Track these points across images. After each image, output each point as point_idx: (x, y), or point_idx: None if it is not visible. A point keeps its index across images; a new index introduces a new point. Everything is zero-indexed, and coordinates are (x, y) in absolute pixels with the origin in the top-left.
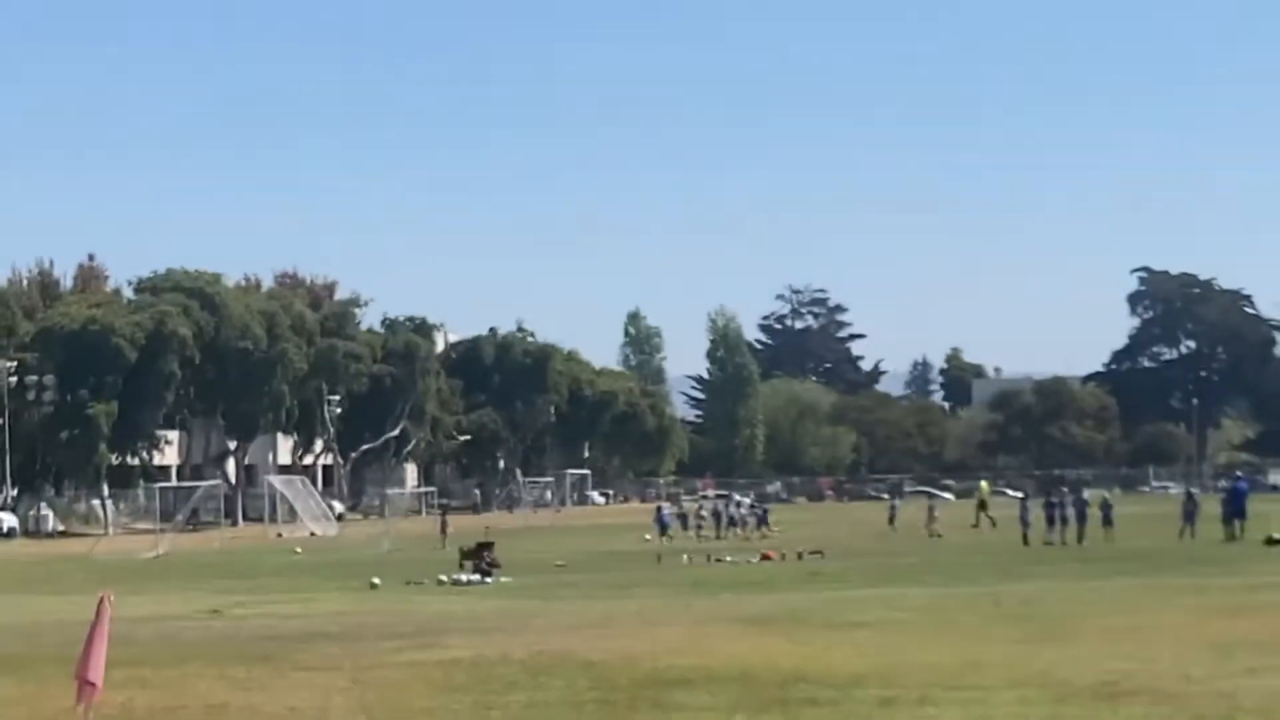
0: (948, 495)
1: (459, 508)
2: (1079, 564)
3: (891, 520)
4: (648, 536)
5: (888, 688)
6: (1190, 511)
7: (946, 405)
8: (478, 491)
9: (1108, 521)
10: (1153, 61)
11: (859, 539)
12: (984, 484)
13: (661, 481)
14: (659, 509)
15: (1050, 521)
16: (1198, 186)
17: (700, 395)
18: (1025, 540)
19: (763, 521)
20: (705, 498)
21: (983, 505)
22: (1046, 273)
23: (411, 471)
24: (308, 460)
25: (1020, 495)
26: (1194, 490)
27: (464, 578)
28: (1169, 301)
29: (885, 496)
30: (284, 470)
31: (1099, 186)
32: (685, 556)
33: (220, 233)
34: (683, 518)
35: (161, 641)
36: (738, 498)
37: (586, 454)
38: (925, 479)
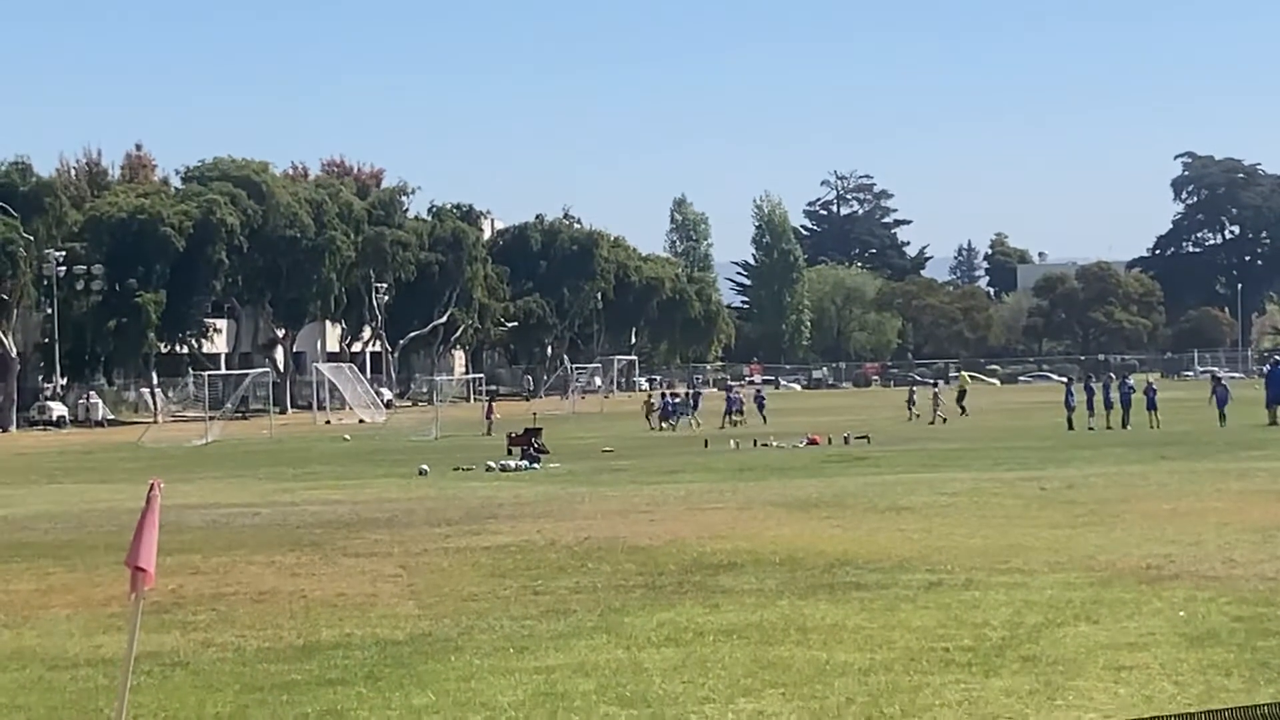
0: (940, 383)
1: (507, 394)
2: (1123, 449)
3: (910, 404)
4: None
5: (933, 571)
6: (1223, 397)
7: (991, 291)
8: (529, 378)
9: (1152, 406)
10: None
11: (905, 424)
12: (964, 374)
13: (709, 367)
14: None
15: (1091, 407)
16: (1242, 72)
17: (746, 281)
18: (1070, 424)
19: (737, 411)
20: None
21: (962, 395)
22: (1091, 158)
23: (459, 358)
24: (356, 348)
25: (1065, 380)
26: (1220, 375)
27: (512, 464)
28: (1213, 187)
29: (930, 383)
30: (332, 358)
31: (1143, 72)
32: (732, 442)
33: (267, 121)
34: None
35: (211, 528)
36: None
37: (633, 340)
38: (970, 364)
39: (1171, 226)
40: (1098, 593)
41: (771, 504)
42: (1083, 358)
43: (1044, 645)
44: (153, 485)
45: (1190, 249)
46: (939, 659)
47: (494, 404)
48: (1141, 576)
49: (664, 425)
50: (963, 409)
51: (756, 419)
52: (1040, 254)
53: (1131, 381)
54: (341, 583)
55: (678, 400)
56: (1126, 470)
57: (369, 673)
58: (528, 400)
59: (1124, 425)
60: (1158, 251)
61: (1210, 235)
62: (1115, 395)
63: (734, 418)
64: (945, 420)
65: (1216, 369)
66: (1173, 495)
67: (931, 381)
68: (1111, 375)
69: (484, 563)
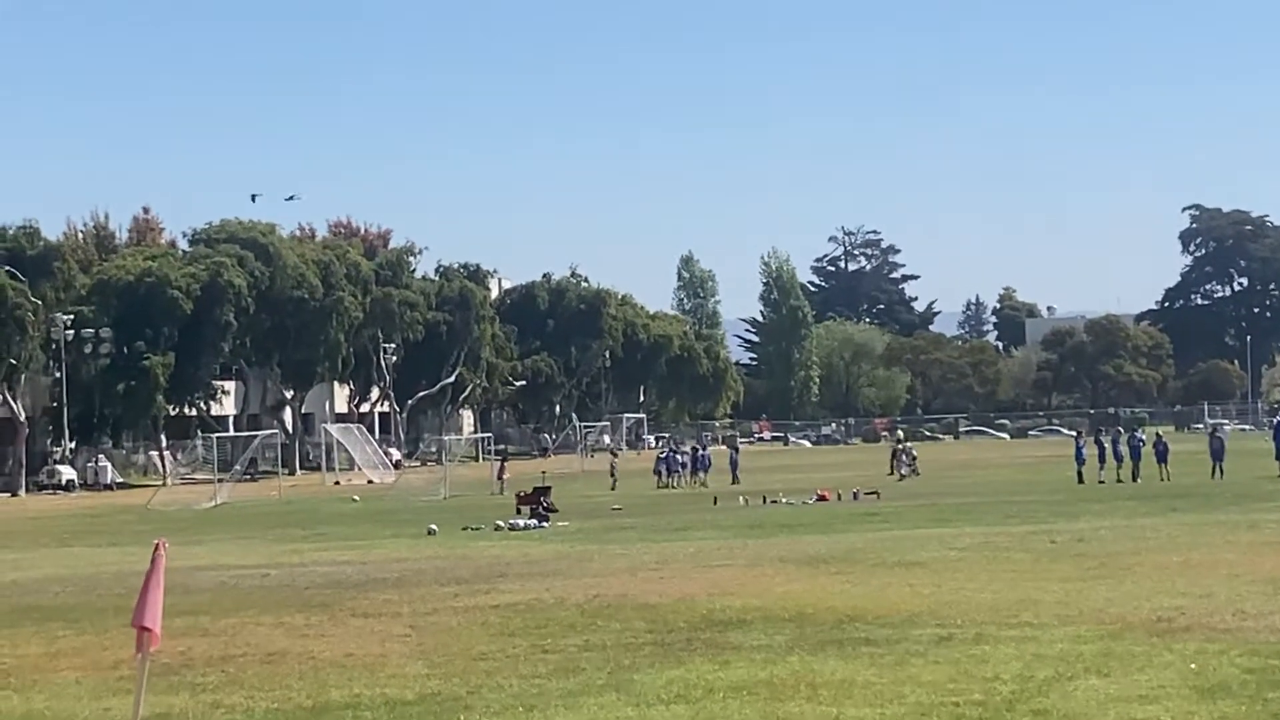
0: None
1: (516, 453)
2: (1133, 501)
3: (895, 462)
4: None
5: (943, 626)
6: (1216, 450)
7: (1000, 345)
8: (549, 436)
9: (1162, 459)
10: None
11: (913, 480)
12: (900, 432)
13: (717, 424)
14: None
15: (1103, 459)
16: (1249, 124)
17: (754, 338)
18: (1080, 478)
19: (701, 469)
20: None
21: (895, 455)
22: (1098, 212)
23: (468, 418)
24: (364, 408)
25: (1075, 434)
26: (1219, 427)
27: (521, 523)
28: (1221, 239)
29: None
30: (341, 419)
31: (1150, 125)
32: (741, 499)
33: (274, 184)
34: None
35: (220, 590)
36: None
37: (642, 398)
38: (980, 419)
39: (1180, 279)
40: (1108, 646)
41: (781, 560)
42: (1092, 411)
43: (1055, 699)
44: (157, 546)
45: (1199, 301)
46: (950, 714)
47: (506, 463)
48: (1152, 629)
49: (667, 484)
50: (901, 471)
51: (727, 476)
52: (1049, 308)
53: (1142, 434)
54: (350, 643)
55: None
56: (1137, 523)
57: None
58: (544, 458)
59: (1134, 478)
60: (1166, 304)
61: (1219, 287)
62: (1125, 448)
63: (699, 476)
64: (904, 477)
65: (1217, 422)
66: (1183, 547)
67: (898, 438)
68: (1120, 429)
69: (493, 621)
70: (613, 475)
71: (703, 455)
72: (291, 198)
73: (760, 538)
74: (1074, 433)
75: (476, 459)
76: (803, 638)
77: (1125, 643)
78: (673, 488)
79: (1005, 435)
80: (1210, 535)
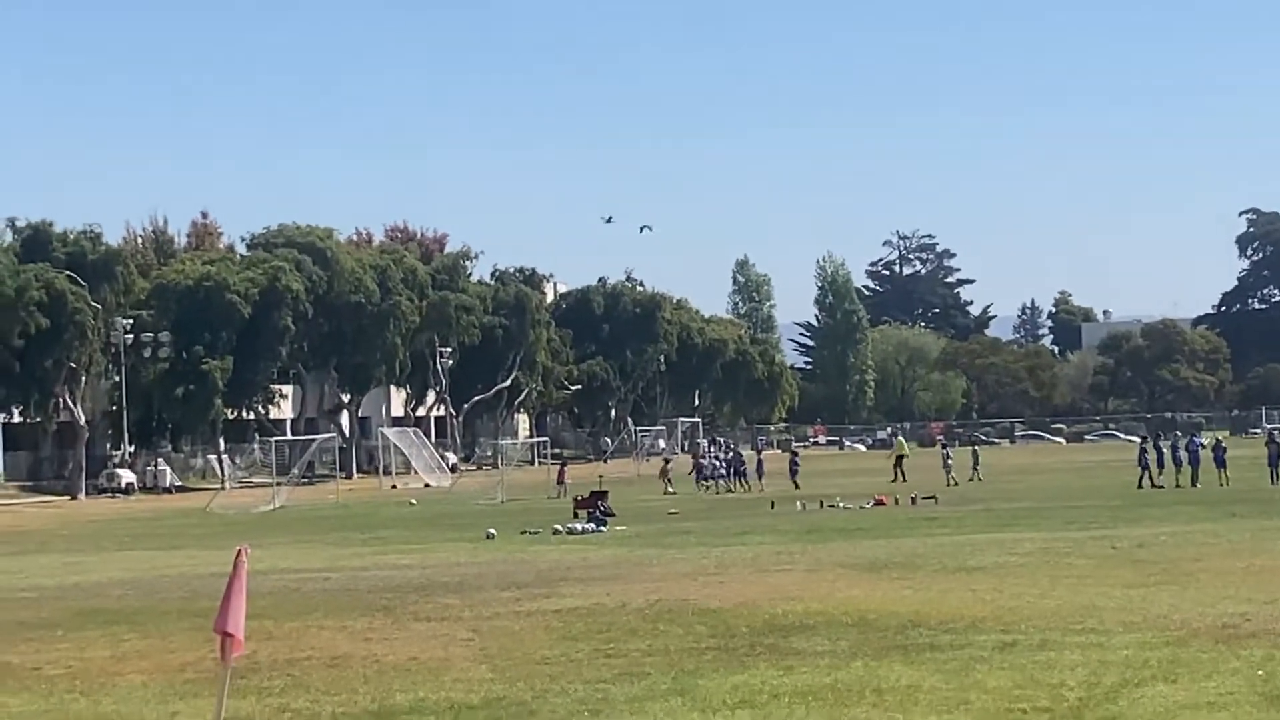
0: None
1: (572, 457)
2: (1193, 507)
3: (946, 468)
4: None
5: (1007, 632)
6: (1273, 455)
7: (1056, 349)
8: (608, 440)
9: (1220, 464)
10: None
11: (972, 484)
12: (900, 440)
13: (772, 429)
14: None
15: (1161, 464)
16: None
17: (809, 342)
18: (1141, 484)
19: (738, 473)
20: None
21: (899, 460)
22: (1155, 215)
23: (523, 422)
24: (420, 412)
25: (1140, 438)
26: (1277, 432)
27: (579, 527)
28: (1278, 242)
29: (959, 443)
30: (397, 422)
31: (1207, 128)
32: (799, 503)
33: (331, 188)
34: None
35: (282, 594)
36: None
37: (697, 402)
38: (1036, 423)
39: (1237, 283)
40: (1174, 652)
41: (841, 565)
42: (1149, 416)
43: (1122, 705)
44: (239, 551)
45: (1256, 305)
46: None
47: (566, 467)
48: (1218, 635)
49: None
50: (903, 475)
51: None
52: (1105, 312)
53: (1200, 439)
54: (414, 647)
55: (717, 461)
56: (1198, 528)
57: None
58: (600, 462)
59: (1193, 483)
60: (1223, 308)
61: (1276, 291)
62: (1184, 453)
63: (745, 481)
64: (956, 483)
65: (1275, 427)
66: (1245, 553)
67: (941, 442)
68: (1178, 433)
69: (555, 626)
70: (665, 478)
71: (735, 456)
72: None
73: (819, 542)
74: (1138, 438)
75: (532, 463)
76: (866, 643)
77: (1191, 649)
78: (717, 493)
79: (1061, 440)
80: (1272, 541)
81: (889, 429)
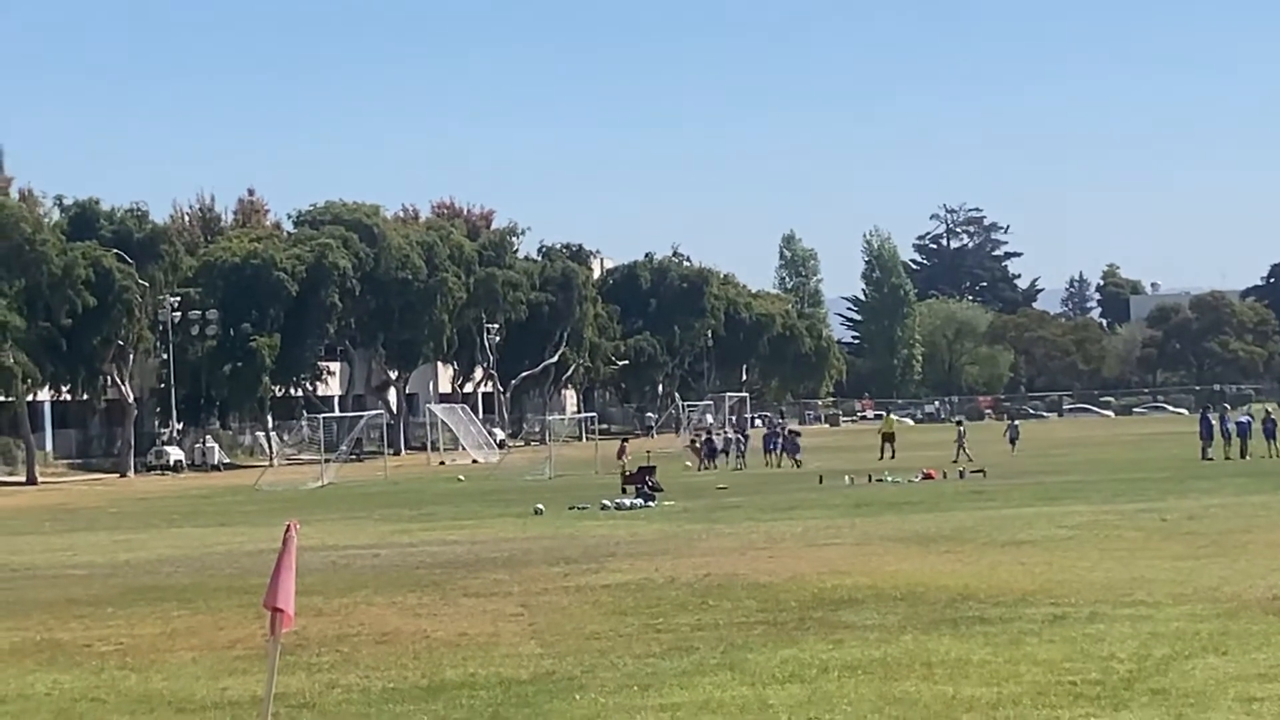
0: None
1: (619, 433)
2: (1243, 479)
3: (960, 446)
4: (688, 464)
5: (1056, 605)
6: (1270, 430)
7: (1104, 322)
8: (652, 415)
9: (1270, 435)
10: None
11: (1020, 457)
12: (890, 416)
13: (820, 403)
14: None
15: (1210, 436)
16: None
17: (857, 316)
18: (1204, 455)
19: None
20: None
21: (888, 438)
22: (1203, 187)
23: (571, 397)
24: (468, 388)
25: (1205, 408)
26: (1271, 409)
27: (627, 502)
28: None
29: (1022, 415)
30: (444, 399)
31: (1254, 99)
32: (847, 478)
33: (378, 164)
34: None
35: (331, 570)
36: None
37: (744, 377)
38: (1084, 397)
39: None
40: (1225, 624)
41: (890, 539)
42: (1198, 388)
43: (1173, 678)
44: (289, 527)
45: None
46: (1067, 693)
47: (627, 444)
48: (1269, 607)
49: (706, 465)
50: (893, 452)
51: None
52: (1153, 284)
53: (1248, 412)
54: (463, 622)
55: (724, 438)
56: (1248, 500)
57: (494, 713)
58: (647, 437)
59: (1242, 455)
60: (1272, 280)
61: None
62: (1232, 425)
63: (705, 463)
64: (971, 459)
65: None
66: None
67: (957, 420)
68: (1227, 405)
69: (604, 601)
70: (700, 454)
71: (740, 437)
72: None
73: (868, 516)
74: (1202, 408)
75: (580, 438)
76: (915, 616)
77: (1242, 621)
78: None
79: (1110, 413)
80: None
81: (936, 403)
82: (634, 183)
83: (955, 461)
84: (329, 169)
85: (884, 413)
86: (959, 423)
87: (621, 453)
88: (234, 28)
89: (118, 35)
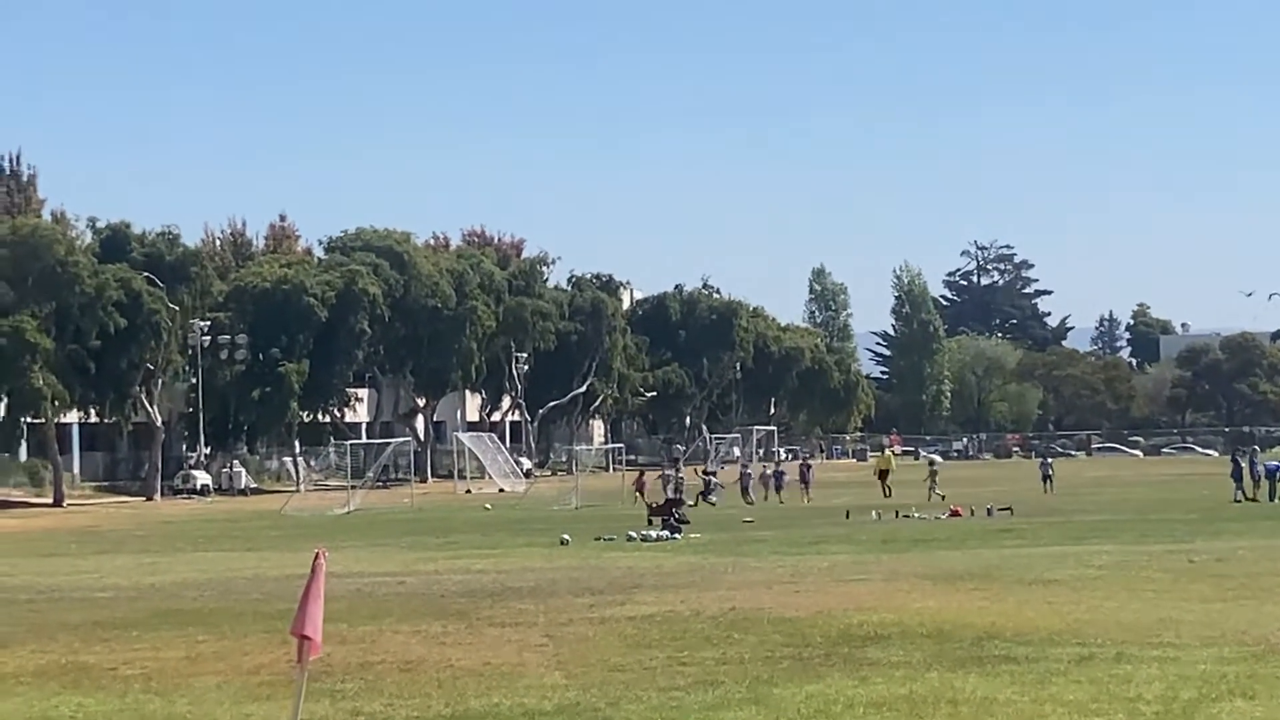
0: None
1: (646, 464)
2: (1272, 521)
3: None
4: (714, 500)
5: (1083, 645)
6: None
7: (1133, 361)
8: (680, 447)
9: None
10: None
11: (1048, 496)
12: (887, 452)
13: (848, 438)
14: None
15: (1240, 478)
16: None
17: (886, 352)
18: (1236, 497)
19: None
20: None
21: (884, 474)
22: (1233, 228)
23: (598, 428)
24: (495, 417)
25: (1238, 452)
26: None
27: (653, 534)
28: None
29: (1054, 454)
30: (472, 427)
31: None
32: (874, 513)
33: (409, 192)
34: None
35: (356, 597)
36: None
37: (772, 410)
38: (1113, 436)
39: None
40: (1252, 668)
41: (916, 576)
42: (1226, 429)
43: None
44: (318, 554)
45: None
46: None
47: (644, 477)
48: None
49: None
50: (888, 489)
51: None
52: (1183, 324)
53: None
54: (488, 652)
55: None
56: (1277, 544)
57: None
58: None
59: (1271, 498)
60: None
61: None
62: (1262, 468)
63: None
64: (944, 497)
65: None
66: None
67: (929, 460)
68: (1257, 447)
69: (629, 633)
70: (707, 491)
71: (778, 473)
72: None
73: (895, 552)
74: (1229, 452)
75: (607, 469)
76: (942, 654)
77: (1270, 665)
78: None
79: (1138, 453)
80: None
81: (964, 439)
82: (665, 214)
83: (929, 500)
84: (361, 195)
85: (882, 449)
86: (931, 462)
87: (640, 484)
88: (269, 55)
89: (153, 60)
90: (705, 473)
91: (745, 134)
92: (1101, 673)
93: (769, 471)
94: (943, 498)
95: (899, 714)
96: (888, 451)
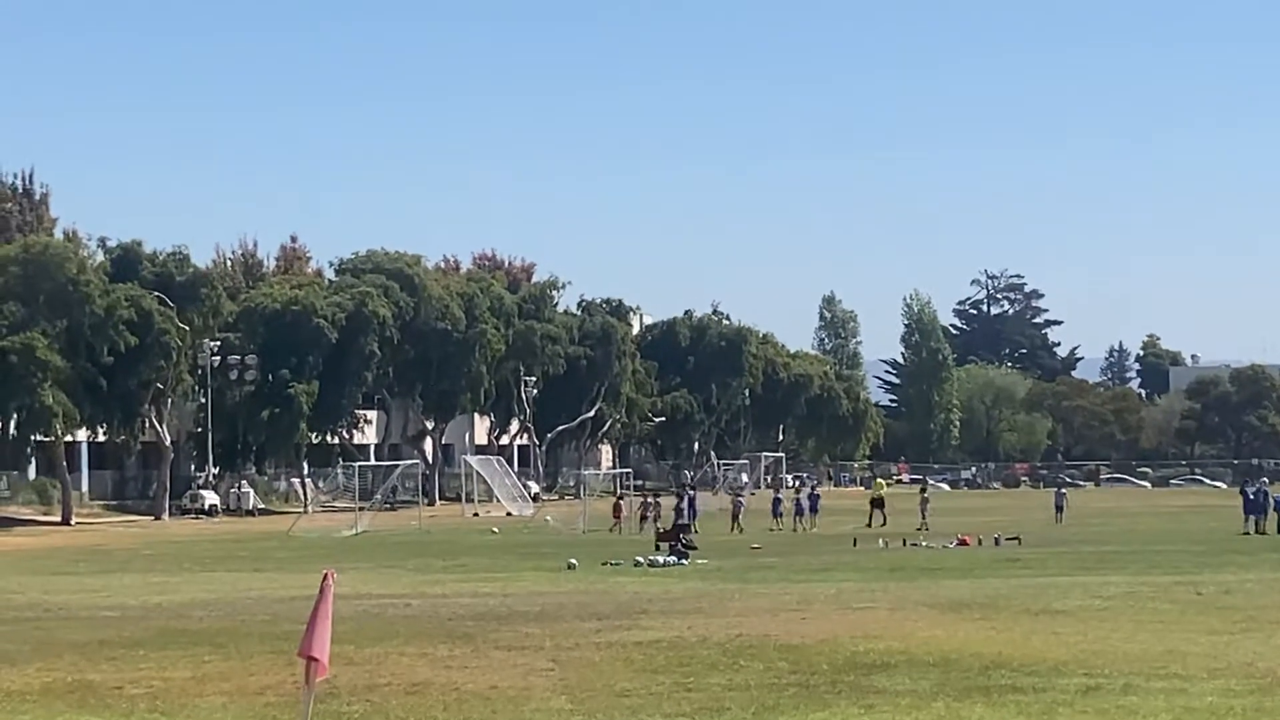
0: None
1: (654, 489)
2: (1278, 554)
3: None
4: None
5: (1090, 676)
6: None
7: (1143, 392)
8: (687, 473)
9: None
10: None
11: (1055, 525)
12: (880, 480)
13: (856, 465)
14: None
15: (1248, 511)
16: None
17: (895, 380)
18: (1247, 529)
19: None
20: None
21: (877, 503)
22: (1244, 259)
23: (606, 453)
24: (504, 440)
25: (1247, 484)
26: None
27: (660, 559)
28: None
29: (1068, 484)
30: (480, 450)
31: None
32: (881, 541)
33: (420, 214)
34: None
35: (363, 619)
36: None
37: (781, 437)
38: (1121, 467)
39: None
40: (1259, 700)
41: (923, 604)
42: (1235, 461)
43: None
44: (326, 576)
45: None
46: None
47: (648, 506)
48: None
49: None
50: (884, 518)
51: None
52: (1193, 356)
53: None
54: (494, 675)
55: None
56: None
57: None
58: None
59: (1279, 530)
60: None
61: None
62: (1270, 501)
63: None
64: (921, 529)
65: None
66: None
67: (921, 486)
68: (1265, 479)
69: (636, 658)
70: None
71: (812, 498)
72: None
73: (902, 580)
74: (1239, 484)
75: (615, 494)
76: (948, 683)
77: (1276, 698)
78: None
79: (1147, 484)
80: None
81: (973, 468)
82: (675, 240)
83: (919, 529)
84: (372, 218)
85: (875, 476)
86: (922, 489)
87: (645, 511)
88: (281, 75)
89: (165, 80)
90: (735, 495)
91: (757, 161)
92: (1108, 704)
93: (801, 496)
94: (919, 529)
95: None
96: (880, 480)
